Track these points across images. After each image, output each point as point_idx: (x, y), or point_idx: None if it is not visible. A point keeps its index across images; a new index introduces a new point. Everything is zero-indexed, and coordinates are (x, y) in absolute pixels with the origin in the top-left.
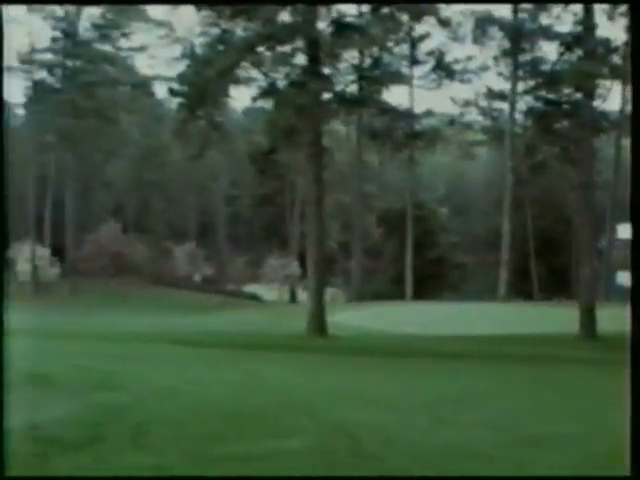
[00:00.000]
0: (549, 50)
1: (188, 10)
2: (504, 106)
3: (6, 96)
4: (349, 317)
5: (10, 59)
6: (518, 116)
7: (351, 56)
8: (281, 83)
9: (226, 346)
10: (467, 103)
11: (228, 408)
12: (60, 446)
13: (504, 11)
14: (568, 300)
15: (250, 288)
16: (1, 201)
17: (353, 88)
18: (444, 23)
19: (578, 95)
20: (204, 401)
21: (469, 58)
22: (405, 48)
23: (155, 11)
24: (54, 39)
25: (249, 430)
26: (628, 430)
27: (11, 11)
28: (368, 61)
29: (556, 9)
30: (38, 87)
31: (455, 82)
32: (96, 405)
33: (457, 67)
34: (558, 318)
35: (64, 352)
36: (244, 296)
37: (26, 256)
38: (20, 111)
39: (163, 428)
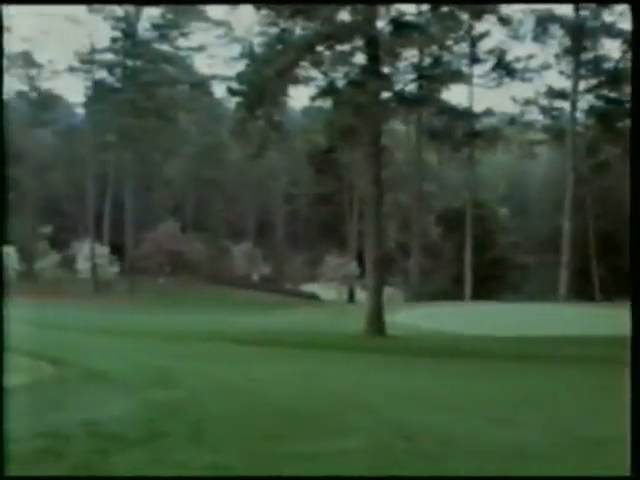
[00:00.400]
0: (611, 48)
1: (247, 10)
2: (565, 105)
3: (67, 95)
4: (407, 317)
5: (71, 59)
6: (579, 115)
7: (411, 55)
8: (340, 82)
9: (284, 345)
10: (528, 102)
11: (287, 407)
12: (119, 443)
13: (565, 9)
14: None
15: (308, 287)
16: (1, 200)
17: (412, 87)
18: (505, 21)
19: None
20: (263, 399)
21: (530, 57)
22: (465, 47)
23: (214, 11)
24: (114, 39)
25: (308, 429)
26: None
27: (72, 11)
28: (428, 60)
29: (619, 6)
30: (98, 87)
31: (516, 81)
32: (155, 402)
33: (518, 66)
34: (619, 320)
35: (123, 350)
36: (302, 295)
37: (86, 254)
38: (80, 110)
39: (221, 426)
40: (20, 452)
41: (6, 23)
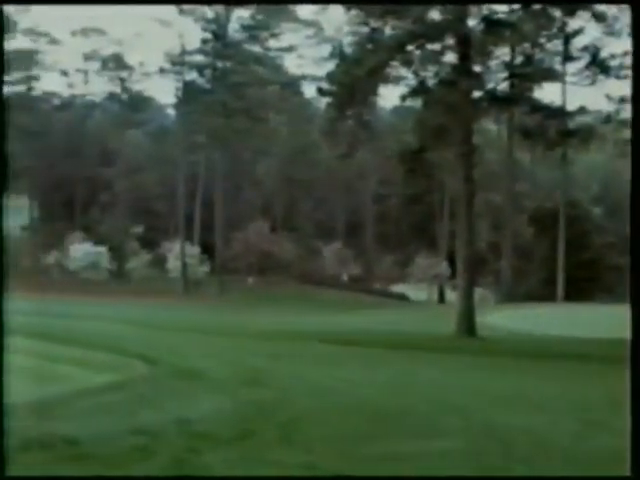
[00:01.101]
0: None
1: (336, 10)
2: None
3: (158, 97)
4: (498, 318)
5: (161, 61)
6: None
7: (502, 53)
8: (431, 81)
9: (374, 345)
10: (623, 100)
11: (378, 407)
12: (211, 441)
13: None
14: None
15: (398, 288)
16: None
17: (504, 86)
18: (599, 18)
19: None
20: (354, 399)
21: (625, 53)
22: (558, 44)
23: (304, 11)
24: (204, 41)
25: (399, 430)
26: None
27: (163, 14)
28: (520, 58)
29: None
30: (188, 88)
31: (610, 78)
32: (246, 401)
33: (613, 63)
34: None
35: (214, 349)
36: (392, 296)
37: (176, 254)
38: (171, 111)
39: (313, 425)
40: (114, 450)
41: (99, 25)
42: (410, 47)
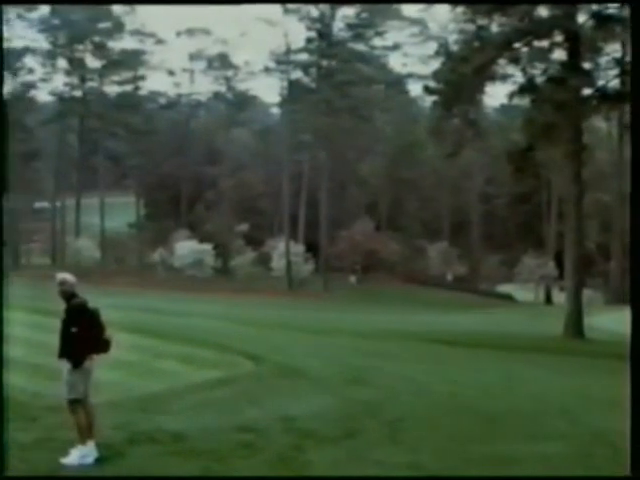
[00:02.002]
0: None
1: (442, 8)
2: None
3: (263, 96)
4: (607, 320)
5: (266, 60)
6: None
7: (613, 49)
8: (539, 79)
9: (480, 346)
10: None
11: (485, 408)
12: (315, 439)
13: None
14: None
15: (504, 288)
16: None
17: (615, 83)
18: None
19: None
20: (459, 400)
21: None
22: None
23: (409, 9)
24: (309, 40)
25: (506, 431)
26: None
27: (268, 13)
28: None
29: None
30: (293, 87)
31: None
32: (351, 400)
33: None
34: None
35: (318, 347)
36: (497, 296)
37: (281, 252)
38: (275, 110)
39: (418, 425)
40: (220, 445)
41: (204, 25)
42: (517, 44)
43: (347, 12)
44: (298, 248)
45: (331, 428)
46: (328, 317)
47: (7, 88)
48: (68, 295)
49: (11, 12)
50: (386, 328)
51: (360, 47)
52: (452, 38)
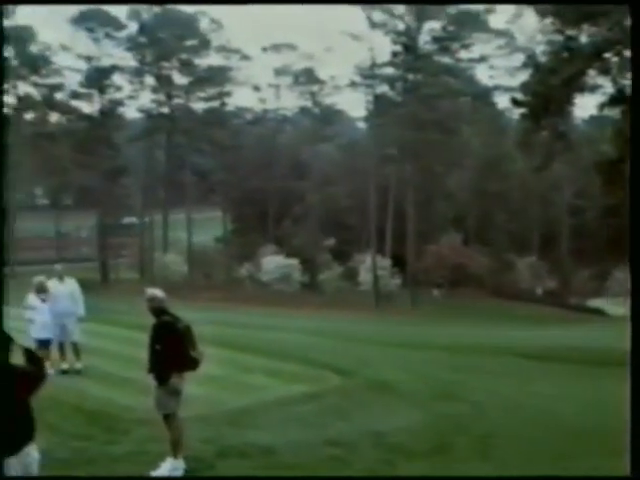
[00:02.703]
0: None
1: (529, 19)
2: None
3: (349, 110)
4: None
5: (352, 74)
6: None
7: None
8: (630, 89)
9: (570, 361)
10: None
11: (574, 425)
12: (405, 454)
13: None
14: None
15: (594, 302)
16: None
17: None
18: None
19: None
20: (549, 415)
21: None
22: None
23: (495, 21)
24: (395, 53)
25: (596, 448)
26: None
27: (353, 28)
28: None
29: None
30: (379, 101)
31: None
32: (440, 415)
33: None
34: None
35: (406, 361)
36: (588, 310)
37: (368, 266)
38: (361, 124)
39: (508, 441)
40: (310, 460)
41: (290, 41)
42: (607, 54)
43: (433, 25)
44: (385, 262)
45: (421, 443)
46: (415, 331)
47: (96, 106)
48: (157, 311)
49: (99, 31)
50: (474, 342)
51: (446, 60)
52: (540, 49)
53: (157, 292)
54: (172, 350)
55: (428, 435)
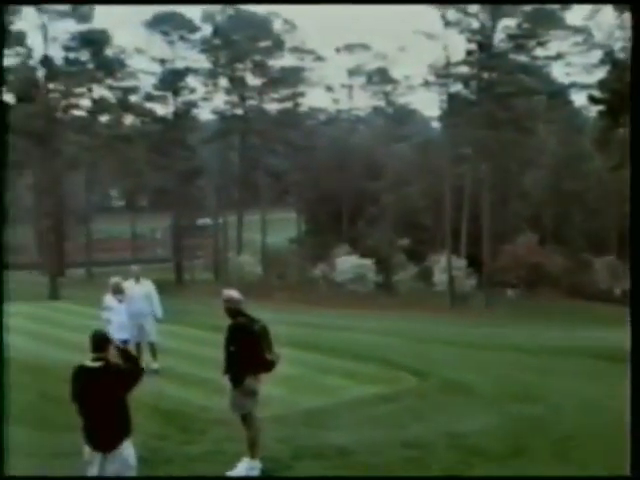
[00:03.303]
0: None
1: (607, 15)
2: None
3: (423, 109)
4: None
5: (426, 74)
6: None
7: None
8: None
9: None
10: None
11: None
12: (482, 456)
13: None
14: None
15: None
16: (1, 200)
17: None
18: None
19: None
20: (628, 417)
21: None
22: None
23: (573, 18)
24: (469, 52)
25: None
26: None
27: (428, 27)
28: None
29: None
30: (453, 100)
31: None
32: (516, 417)
33: None
34: None
35: (482, 363)
36: None
37: (442, 267)
38: (435, 124)
39: (587, 443)
40: (386, 461)
41: (363, 41)
42: None
43: (508, 23)
44: (460, 262)
45: (498, 445)
46: (491, 332)
47: (170, 108)
48: (233, 312)
49: (174, 34)
50: (551, 344)
51: (522, 58)
52: (618, 46)
53: (233, 293)
54: (247, 352)
55: (505, 437)
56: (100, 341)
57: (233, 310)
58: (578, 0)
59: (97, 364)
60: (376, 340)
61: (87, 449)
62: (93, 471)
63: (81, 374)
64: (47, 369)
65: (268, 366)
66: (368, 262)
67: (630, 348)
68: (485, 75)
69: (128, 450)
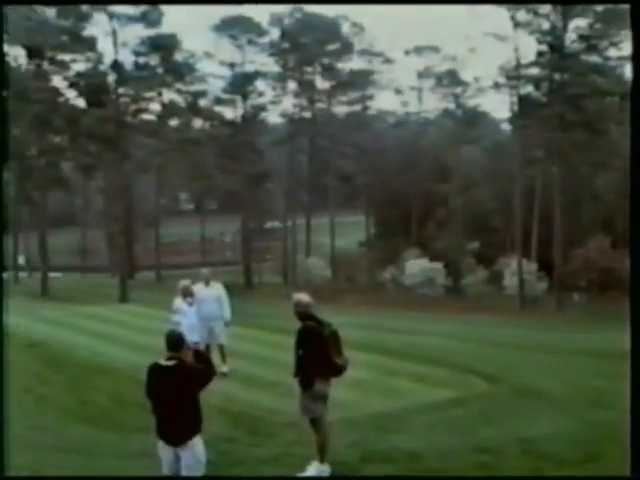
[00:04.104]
0: None
1: None
2: None
3: (493, 112)
4: None
5: (496, 76)
6: None
7: None
8: None
9: None
10: None
11: None
12: (555, 462)
13: None
14: None
15: None
16: (0, 199)
17: None
18: None
19: None
20: None
21: None
22: None
23: None
24: (540, 53)
25: None
26: None
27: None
28: None
29: None
30: (524, 102)
31: None
32: (590, 422)
33: None
34: None
35: (554, 367)
36: None
37: (513, 270)
38: (505, 126)
39: None
40: (456, 466)
41: (433, 43)
42: None
43: (579, 23)
44: (531, 266)
45: (570, 451)
46: (562, 336)
47: (239, 111)
48: (303, 316)
49: (242, 38)
50: (622, 348)
51: (594, 58)
52: None
53: (303, 297)
54: (315, 355)
55: (578, 443)
56: (175, 341)
57: (303, 313)
58: (578, 0)
59: (171, 362)
60: (446, 344)
61: (160, 444)
62: (165, 465)
63: (156, 371)
64: (117, 371)
65: (337, 370)
66: (438, 265)
67: (630, 348)
68: (556, 76)
69: (198, 446)
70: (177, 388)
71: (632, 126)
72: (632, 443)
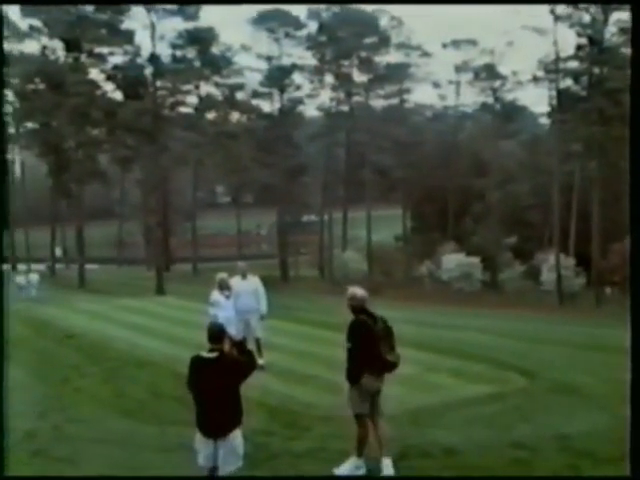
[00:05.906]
0: None
1: None
2: None
3: (531, 106)
4: None
5: (535, 69)
6: None
7: None
8: None
9: None
10: None
11: None
12: (592, 459)
13: None
14: None
15: None
16: (1, 200)
17: None
18: None
19: None
20: None
21: None
22: None
23: None
24: (579, 46)
25: None
26: None
27: (537, 22)
28: None
29: None
30: (563, 96)
31: None
32: (628, 419)
33: None
34: None
35: (591, 364)
36: None
37: (550, 266)
38: (544, 120)
39: None
40: (493, 461)
41: (470, 36)
42: None
43: (620, 16)
44: (569, 261)
45: (608, 448)
46: (601, 332)
47: (276, 105)
48: (357, 310)
49: (280, 31)
50: None
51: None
52: None
53: (358, 290)
54: (364, 350)
55: (615, 440)
56: (216, 333)
57: (357, 307)
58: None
59: (213, 354)
60: (483, 339)
61: (197, 436)
62: (202, 457)
63: (197, 363)
64: (155, 364)
65: (387, 366)
66: (475, 260)
67: (630, 346)
68: (596, 70)
69: (238, 439)
70: (219, 380)
71: (631, 126)
72: (632, 443)
